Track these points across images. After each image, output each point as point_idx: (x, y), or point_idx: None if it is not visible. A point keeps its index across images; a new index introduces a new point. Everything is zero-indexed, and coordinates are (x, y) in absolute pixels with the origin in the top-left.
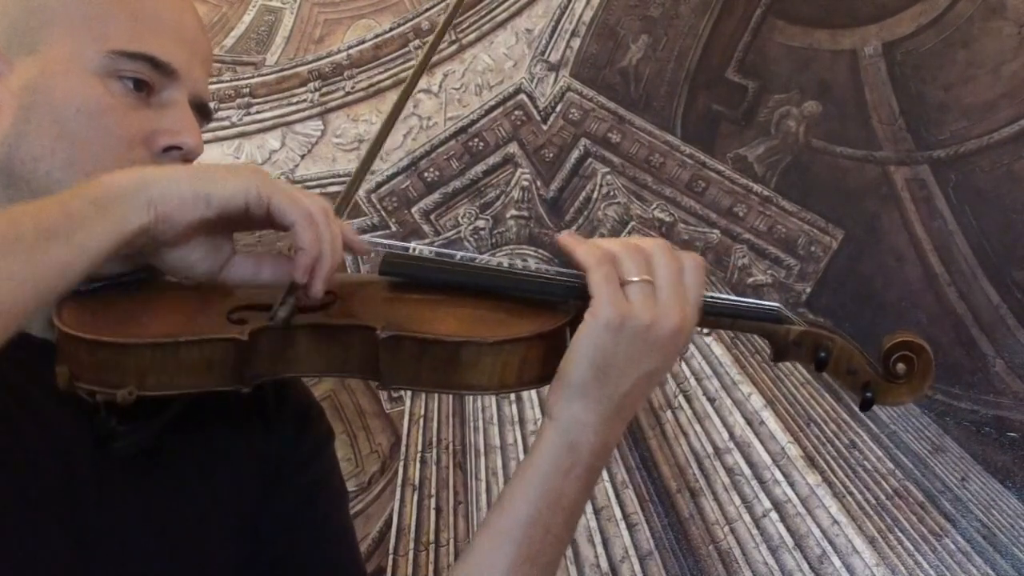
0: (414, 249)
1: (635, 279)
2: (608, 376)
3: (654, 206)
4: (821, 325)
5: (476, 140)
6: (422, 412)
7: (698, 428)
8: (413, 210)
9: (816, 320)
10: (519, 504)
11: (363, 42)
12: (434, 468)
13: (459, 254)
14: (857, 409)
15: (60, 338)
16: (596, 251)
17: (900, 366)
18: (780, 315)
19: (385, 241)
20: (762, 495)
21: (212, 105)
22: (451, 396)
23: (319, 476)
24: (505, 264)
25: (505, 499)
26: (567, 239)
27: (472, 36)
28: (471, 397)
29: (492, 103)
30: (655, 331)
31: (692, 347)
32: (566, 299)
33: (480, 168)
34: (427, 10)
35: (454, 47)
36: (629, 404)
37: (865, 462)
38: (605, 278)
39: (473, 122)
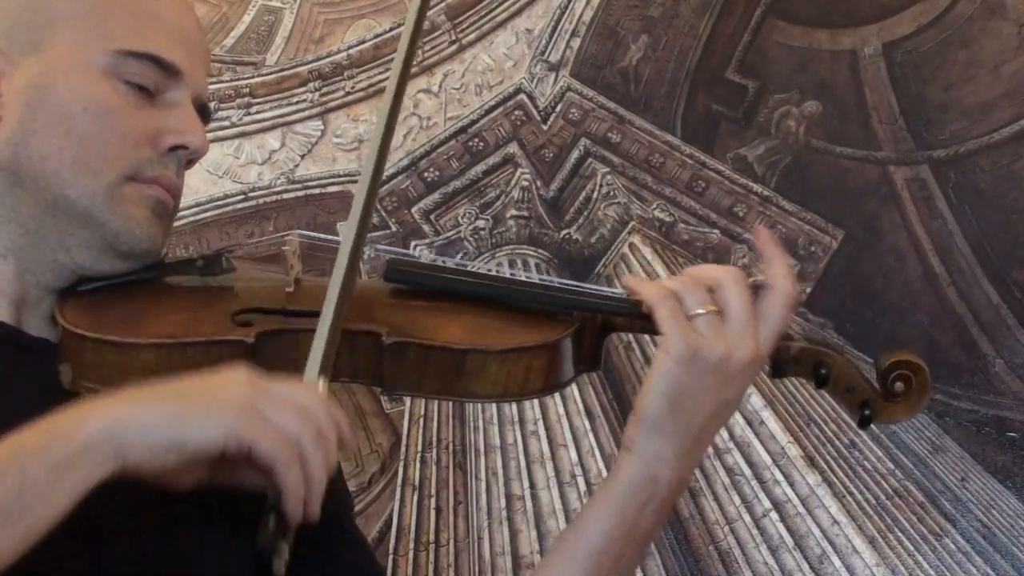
0: (415, 248)
1: (700, 311)
2: (683, 408)
3: (654, 206)
4: (821, 342)
5: (476, 140)
6: (422, 412)
7: None
8: (413, 210)
9: (815, 336)
10: (593, 533)
11: (363, 42)
12: (434, 468)
13: (459, 257)
14: (855, 426)
15: (64, 336)
16: (660, 288)
17: (898, 384)
18: None
19: (389, 248)
20: (762, 495)
21: (212, 105)
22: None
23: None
24: (506, 266)
25: (580, 525)
26: (632, 282)
27: (472, 36)
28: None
29: (492, 103)
30: (728, 363)
31: None
32: (570, 310)
33: (480, 168)
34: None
35: (454, 47)
36: (705, 436)
37: (865, 462)
38: (672, 313)
39: (473, 122)
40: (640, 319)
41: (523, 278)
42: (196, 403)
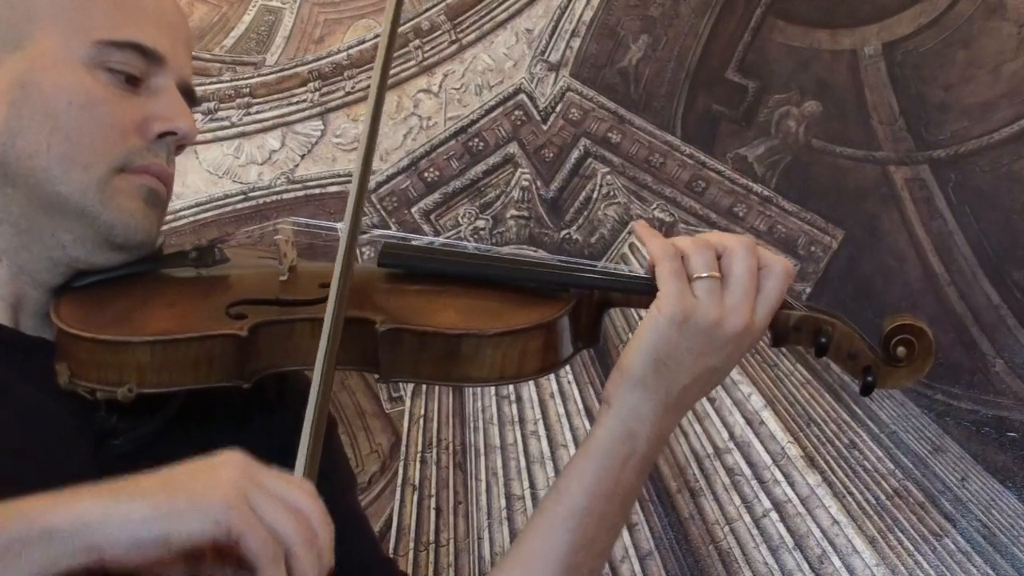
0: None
1: (703, 275)
2: (668, 369)
3: (654, 206)
4: (821, 309)
5: (476, 140)
6: (422, 412)
7: (698, 428)
8: (413, 210)
9: (816, 305)
10: (575, 492)
11: (363, 42)
12: (434, 468)
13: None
14: (858, 393)
15: (59, 335)
16: (667, 245)
17: (901, 349)
18: None
19: (386, 231)
20: (762, 495)
21: (212, 105)
22: (451, 392)
23: (325, 463)
24: (504, 248)
25: (561, 486)
26: (643, 229)
27: (472, 36)
28: (471, 395)
29: (492, 103)
30: (720, 329)
31: None
32: (566, 287)
33: (480, 168)
34: (427, 10)
35: (454, 47)
36: (688, 397)
37: (865, 462)
38: (673, 272)
39: (473, 122)
40: (637, 293)
41: (519, 256)
42: (184, 494)
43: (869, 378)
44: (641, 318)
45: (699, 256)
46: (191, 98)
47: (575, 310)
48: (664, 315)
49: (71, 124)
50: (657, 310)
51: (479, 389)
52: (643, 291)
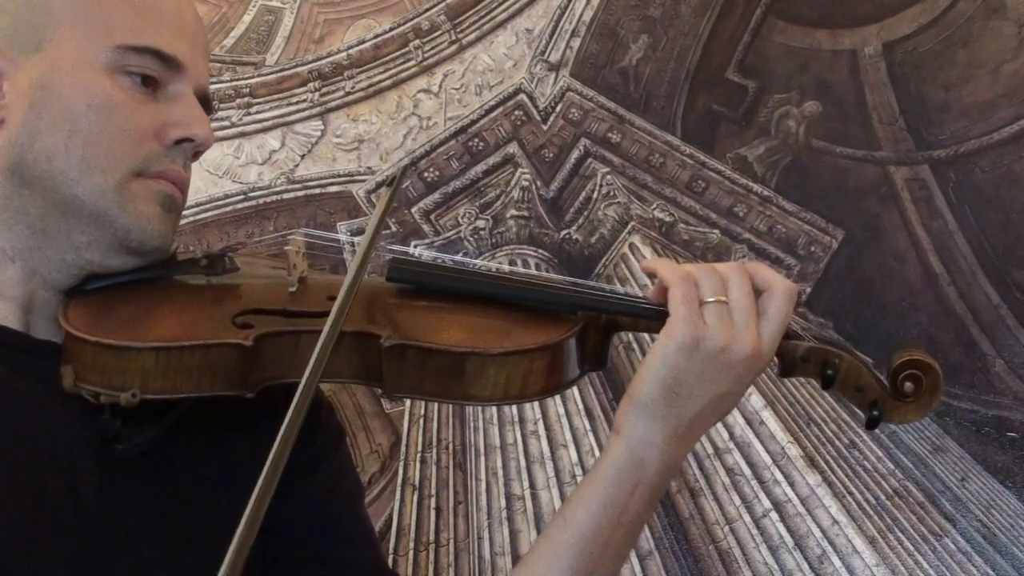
0: (416, 251)
1: (711, 299)
2: (678, 396)
3: (654, 206)
4: (830, 341)
5: (476, 140)
6: (422, 412)
7: None
8: (413, 210)
9: (825, 336)
10: (580, 518)
11: (363, 42)
12: (434, 468)
13: (460, 256)
14: (864, 427)
15: (66, 338)
16: (680, 270)
17: (908, 385)
18: (788, 331)
19: (389, 246)
20: (762, 495)
21: (212, 105)
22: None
23: (332, 475)
24: (507, 266)
25: (567, 511)
26: (650, 263)
27: (472, 36)
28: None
29: (492, 103)
30: (728, 354)
31: None
32: (574, 309)
33: (480, 168)
34: (427, 10)
35: (454, 47)
36: (698, 425)
37: (865, 462)
38: (685, 297)
39: (473, 122)
40: (645, 318)
41: (527, 276)
42: None
43: (875, 412)
44: (653, 340)
45: (708, 281)
46: (208, 105)
47: (582, 333)
48: (674, 341)
49: (90, 127)
50: (667, 336)
51: None
52: (652, 317)
